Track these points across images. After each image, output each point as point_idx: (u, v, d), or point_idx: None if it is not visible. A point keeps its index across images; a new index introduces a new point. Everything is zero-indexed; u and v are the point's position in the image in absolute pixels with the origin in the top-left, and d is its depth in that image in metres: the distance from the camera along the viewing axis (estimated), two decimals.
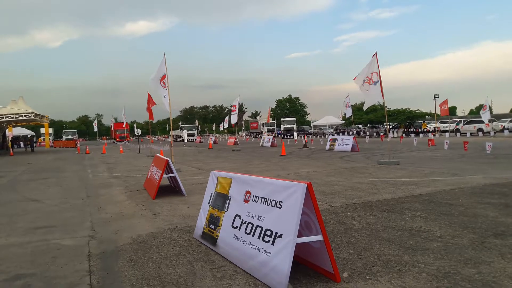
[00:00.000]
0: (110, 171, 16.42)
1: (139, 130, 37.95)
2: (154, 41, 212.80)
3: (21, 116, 34.26)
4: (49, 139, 62.48)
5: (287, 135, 57.64)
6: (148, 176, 10.67)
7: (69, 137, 70.90)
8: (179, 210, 7.60)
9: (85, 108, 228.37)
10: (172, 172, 9.34)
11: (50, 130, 70.41)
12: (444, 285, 3.57)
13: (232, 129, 62.67)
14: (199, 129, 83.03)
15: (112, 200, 9.08)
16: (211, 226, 5.12)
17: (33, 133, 70.44)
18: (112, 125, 72.58)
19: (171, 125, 16.97)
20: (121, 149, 33.15)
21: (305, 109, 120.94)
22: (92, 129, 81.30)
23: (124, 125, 51.49)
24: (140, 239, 5.60)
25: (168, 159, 9.22)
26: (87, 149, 34.40)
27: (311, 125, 75.01)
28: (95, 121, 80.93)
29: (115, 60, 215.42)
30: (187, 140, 58.65)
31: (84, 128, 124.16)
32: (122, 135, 70.72)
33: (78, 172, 16.71)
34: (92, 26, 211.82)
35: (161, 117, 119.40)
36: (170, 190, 9.90)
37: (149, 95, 24.19)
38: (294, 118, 74.38)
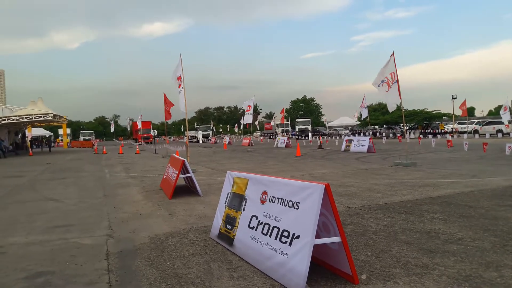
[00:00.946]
0: (126, 171, 16.61)
1: (155, 130, 38.28)
2: (169, 42, 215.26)
3: (40, 117, 34.92)
4: (67, 139, 63.53)
5: (302, 136, 57.43)
6: (165, 176, 10.75)
7: (86, 137, 71.91)
8: (195, 210, 7.63)
9: (102, 109, 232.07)
10: (188, 173, 9.39)
11: (68, 131, 71.60)
12: None
13: (247, 130, 62.70)
14: (214, 129, 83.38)
15: (129, 200, 9.18)
16: (228, 226, 5.13)
17: (51, 134, 71.74)
18: (132, 124, 66.94)
19: (186, 126, 17.09)
20: (137, 149, 33.51)
21: (320, 110, 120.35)
22: (109, 130, 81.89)
23: (140, 125, 48.57)
24: (157, 239, 5.64)
25: (184, 159, 9.28)
26: (104, 150, 34.87)
27: (326, 125, 74.60)
28: (112, 122, 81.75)
29: (131, 61, 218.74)
30: (202, 141, 58.95)
31: (101, 128, 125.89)
32: (146, 135, 58.89)
33: (96, 172, 16.94)
34: (108, 28, 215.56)
35: (176, 118, 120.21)
36: (186, 190, 9.96)
37: (165, 96, 24.42)
38: (309, 119, 74.03)
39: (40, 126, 59.01)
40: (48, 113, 35.20)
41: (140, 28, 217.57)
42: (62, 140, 66.00)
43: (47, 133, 67.23)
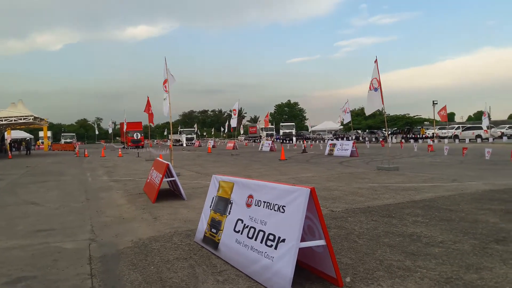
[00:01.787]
0: (109, 174, 16.40)
1: (138, 134, 37.78)
2: (154, 45, 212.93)
3: (20, 119, 34.24)
4: (48, 141, 62.30)
5: (286, 140, 57.69)
6: (148, 180, 10.66)
7: (68, 140, 70.82)
8: (179, 214, 7.59)
9: (84, 112, 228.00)
10: (172, 176, 9.34)
11: (49, 133, 70.35)
12: None
13: (231, 134, 62.60)
14: (198, 133, 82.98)
15: (112, 204, 9.07)
16: (213, 230, 5.12)
17: (32, 136, 70.37)
18: (120, 125, 60.09)
19: (171, 129, 16.99)
20: (120, 152, 33.14)
21: (304, 114, 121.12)
22: (93, 132, 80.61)
23: (132, 126, 43.58)
24: (141, 243, 5.59)
25: (168, 163, 9.22)
26: (85, 153, 34.37)
27: (309, 130, 75.15)
28: (95, 125, 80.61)
29: (115, 64, 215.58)
30: (186, 144, 58.64)
31: (83, 131, 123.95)
32: (136, 138, 51.63)
33: (77, 175, 16.68)
34: (92, 30, 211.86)
35: (160, 121, 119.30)
36: (170, 194, 9.90)
37: (148, 100, 24.31)
38: (293, 123, 74.57)
39: (20, 129, 57.79)
40: (28, 116, 34.54)
41: (125, 30, 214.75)
42: (42, 143, 64.77)
43: (27, 135, 65.86)
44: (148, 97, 24.33)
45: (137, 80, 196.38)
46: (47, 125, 49.43)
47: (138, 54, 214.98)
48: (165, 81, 15.35)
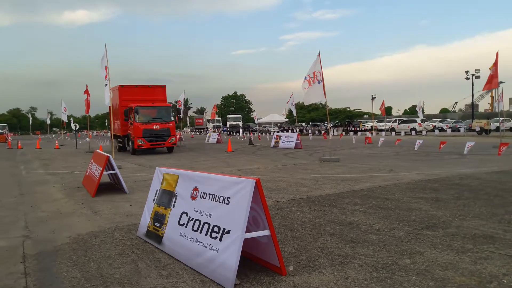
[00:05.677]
0: (45, 167, 15.50)
1: (76, 124, 35.83)
2: (94, 31, 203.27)
3: None
4: None
5: (233, 132, 57.69)
6: (87, 173, 10.22)
7: None
8: (121, 208, 7.36)
9: (17, 101, 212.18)
10: (113, 169, 9.01)
11: None
12: (383, 275, 3.78)
13: (177, 125, 61.52)
14: None
15: (48, 198, 8.59)
16: (156, 224, 5.02)
17: None
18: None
19: (111, 119, 16.35)
20: (56, 144, 31.39)
21: (251, 106, 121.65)
22: (26, 123, 75.34)
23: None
24: (80, 239, 5.36)
25: (108, 155, 8.88)
26: (19, 144, 32.19)
27: (256, 122, 75.69)
28: (30, 115, 75.55)
29: (51, 50, 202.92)
30: None
31: (16, 121, 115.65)
32: (157, 126, 20.35)
33: (10, 168, 15.60)
34: (26, 13, 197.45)
35: (100, 111, 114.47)
36: (111, 187, 9.56)
37: (87, 88, 23.23)
38: (240, 115, 74.72)
39: None
40: None
41: (62, 15, 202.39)
42: None
43: None
44: (87, 86, 23.23)
45: (75, 67, 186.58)
46: None
47: (77, 40, 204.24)
48: (106, 69, 14.71)
